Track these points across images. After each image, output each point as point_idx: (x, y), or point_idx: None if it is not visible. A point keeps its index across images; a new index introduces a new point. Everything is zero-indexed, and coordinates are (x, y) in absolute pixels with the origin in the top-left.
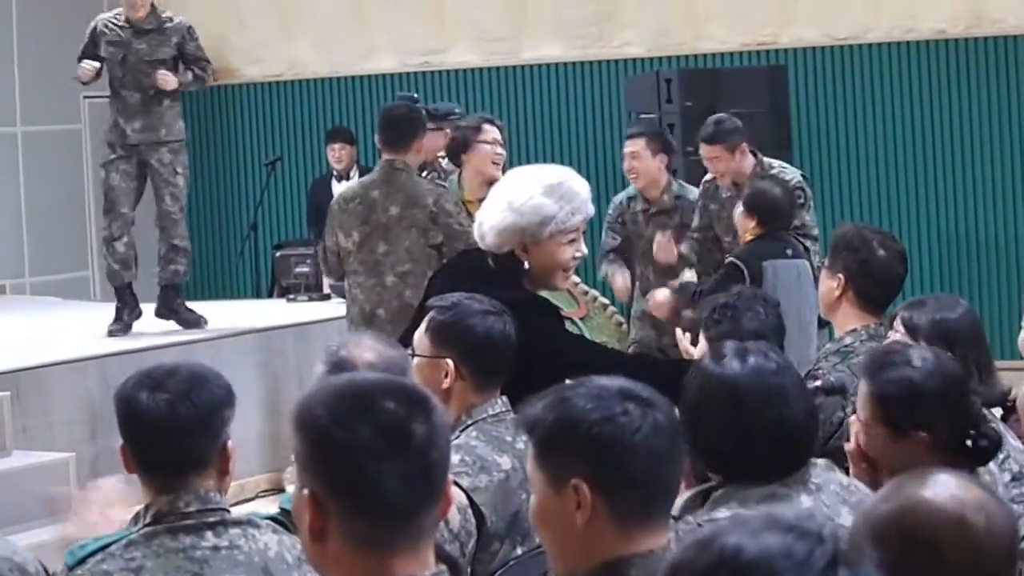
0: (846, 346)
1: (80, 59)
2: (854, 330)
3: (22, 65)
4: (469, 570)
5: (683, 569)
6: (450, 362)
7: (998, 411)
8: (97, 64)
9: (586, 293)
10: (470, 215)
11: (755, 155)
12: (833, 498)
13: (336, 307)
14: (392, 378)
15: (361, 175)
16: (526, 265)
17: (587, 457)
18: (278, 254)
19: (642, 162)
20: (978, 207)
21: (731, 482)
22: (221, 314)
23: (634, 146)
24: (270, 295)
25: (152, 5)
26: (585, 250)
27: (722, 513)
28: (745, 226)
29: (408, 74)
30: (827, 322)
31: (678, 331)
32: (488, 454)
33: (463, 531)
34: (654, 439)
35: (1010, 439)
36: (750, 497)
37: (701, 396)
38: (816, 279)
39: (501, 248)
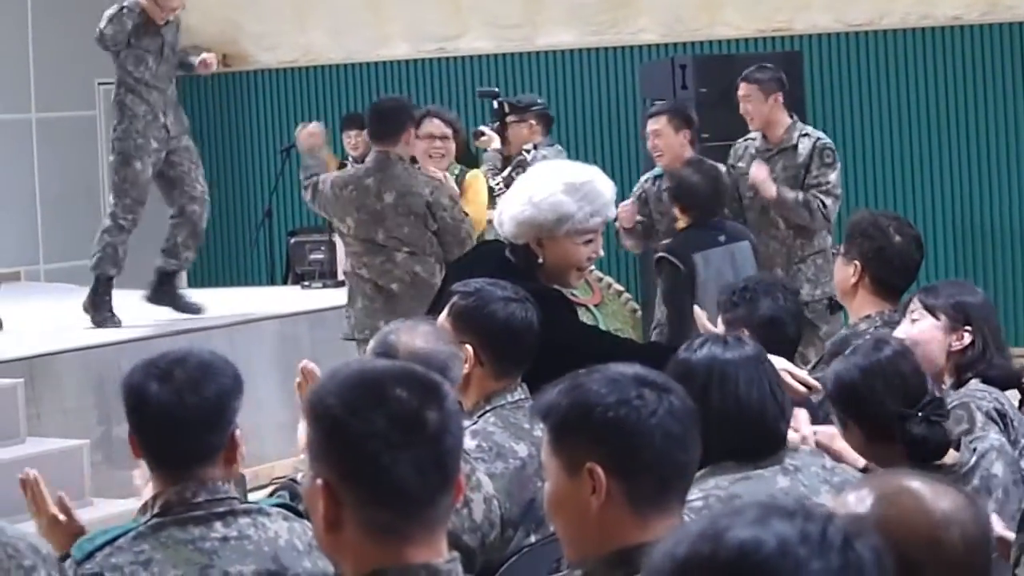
0: (861, 332)
1: (113, 39)
2: (868, 316)
3: (37, 51)
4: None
5: (700, 567)
6: (469, 348)
7: (1015, 396)
8: None
9: (600, 280)
10: None
11: (792, 116)
12: (813, 479)
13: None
14: (405, 365)
15: None
16: (540, 260)
17: (602, 441)
18: (292, 241)
19: (665, 139)
20: (993, 193)
21: (705, 464)
22: (236, 301)
23: (656, 124)
24: (284, 282)
25: None
26: (601, 252)
27: (695, 494)
28: (676, 215)
29: (423, 60)
30: (840, 306)
31: (696, 309)
32: (505, 441)
33: (486, 522)
34: (669, 423)
35: None
36: (724, 477)
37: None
38: (757, 254)
39: (517, 239)
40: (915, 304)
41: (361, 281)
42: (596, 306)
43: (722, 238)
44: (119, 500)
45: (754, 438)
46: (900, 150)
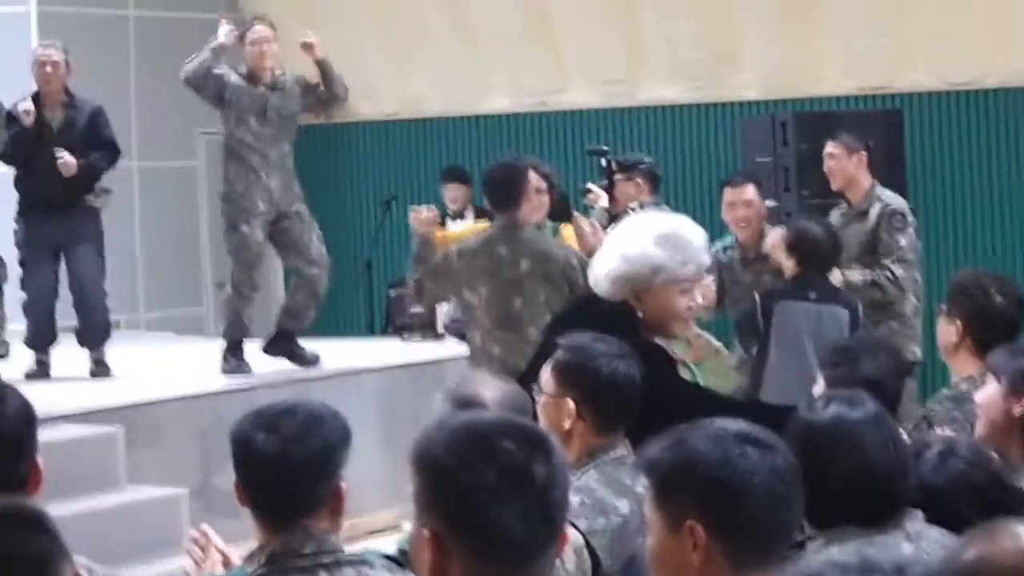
0: (962, 392)
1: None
2: (971, 377)
3: (138, 100)
4: None
5: None
6: (571, 403)
7: None
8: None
9: (699, 337)
10: None
11: (872, 181)
12: (934, 545)
13: (449, 347)
14: (511, 417)
15: (476, 216)
16: (640, 314)
17: (704, 499)
18: (393, 293)
19: (755, 209)
20: None
21: (825, 530)
22: (336, 352)
23: (746, 193)
24: (384, 333)
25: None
26: (700, 300)
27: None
28: (787, 265)
29: (524, 115)
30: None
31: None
32: (607, 497)
33: (579, 571)
34: (772, 482)
35: None
36: (848, 545)
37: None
38: (857, 326)
39: (615, 296)
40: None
41: (491, 360)
42: (696, 363)
43: (812, 295)
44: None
45: (880, 502)
46: (1000, 209)
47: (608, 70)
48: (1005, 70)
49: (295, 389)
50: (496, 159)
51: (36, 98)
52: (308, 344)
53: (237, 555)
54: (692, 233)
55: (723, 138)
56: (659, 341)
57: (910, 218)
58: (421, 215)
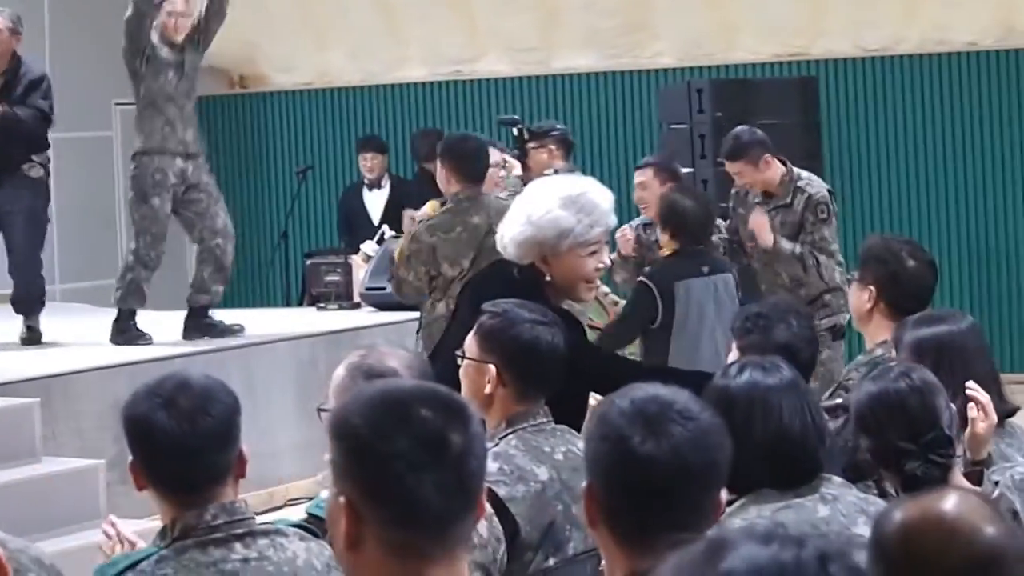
0: (876, 357)
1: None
2: (884, 341)
3: (54, 71)
4: None
5: None
6: (493, 367)
7: None
8: None
9: (616, 304)
10: None
11: (785, 164)
12: (850, 508)
13: (366, 315)
14: (428, 385)
15: (393, 184)
16: (547, 277)
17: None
18: (309, 262)
19: (651, 191)
20: (1009, 218)
21: (744, 495)
22: (252, 322)
23: (642, 176)
24: (300, 304)
25: None
26: (607, 261)
27: (736, 524)
28: (662, 241)
29: (439, 83)
30: (842, 334)
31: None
32: (526, 464)
33: (492, 538)
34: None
35: None
36: (765, 507)
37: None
38: (739, 289)
39: (523, 260)
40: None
41: None
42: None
43: (705, 269)
44: (134, 520)
45: (795, 466)
46: (915, 175)
47: (523, 38)
48: (919, 36)
49: (210, 359)
50: (411, 129)
51: None
52: (225, 315)
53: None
54: (599, 195)
55: (639, 106)
56: (566, 306)
57: (832, 207)
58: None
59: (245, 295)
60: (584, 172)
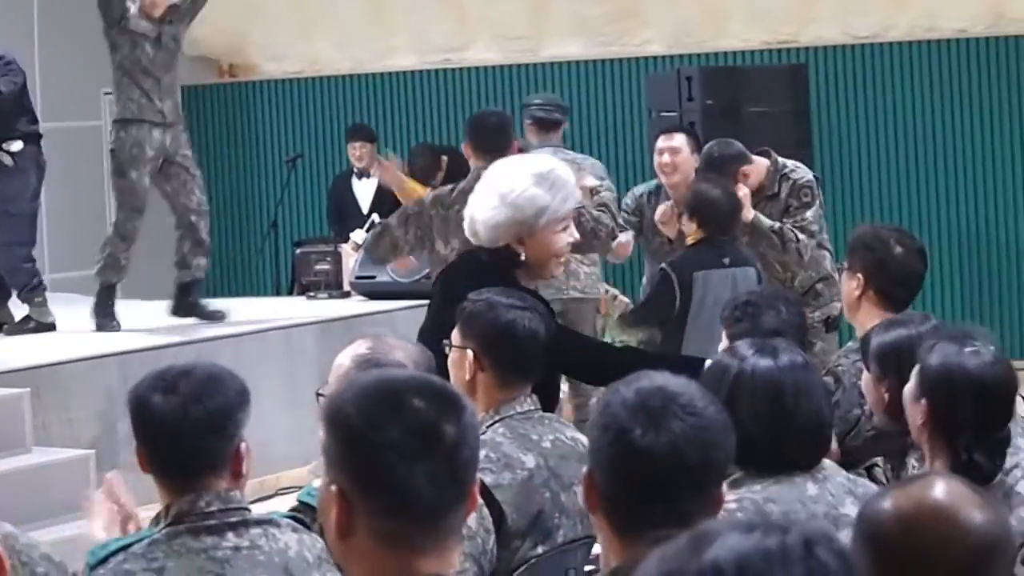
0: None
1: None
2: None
3: (42, 61)
4: (491, 568)
5: None
6: (470, 352)
7: None
8: None
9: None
10: None
11: (769, 155)
12: (839, 488)
13: (356, 304)
14: (423, 376)
15: None
16: (522, 257)
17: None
18: (298, 251)
19: (683, 157)
20: (998, 206)
21: (746, 471)
22: (242, 311)
23: (675, 141)
24: (290, 292)
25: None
26: (577, 234)
27: (731, 497)
28: (688, 229)
29: (428, 71)
30: (835, 325)
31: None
32: (513, 452)
33: (481, 529)
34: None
35: None
36: (758, 482)
37: (736, 391)
38: (761, 283)
39: (496, 243)
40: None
41: None
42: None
43: (727, 260)
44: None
45: (806, 450)
46: (905, 162)
47: (511, 26)
48: (908, 23)
49: (201, 348)
50: (400, 117)
51: None
52: (214, 303)
53: (142, 514)
54: (565, 171)
55: (628, 93)
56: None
57: (816, 191)
58: (384, 164)
59: (235, 284)
60: None
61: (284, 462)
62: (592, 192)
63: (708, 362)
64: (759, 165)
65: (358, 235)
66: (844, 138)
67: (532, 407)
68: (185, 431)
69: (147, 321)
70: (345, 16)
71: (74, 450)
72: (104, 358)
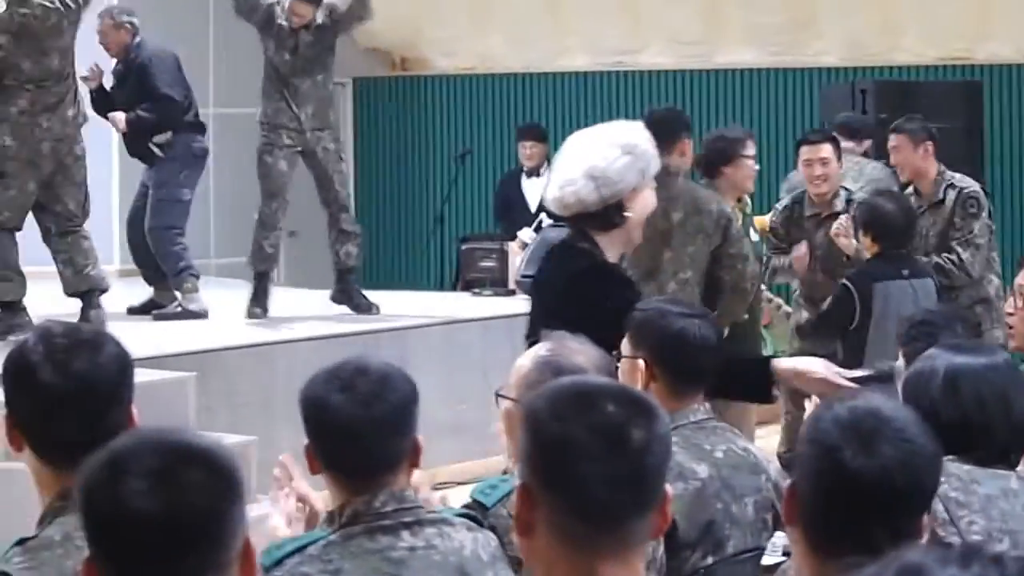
0: None
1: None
2: None
3: (217, 46)
4: None
5: None
6: (642, 361)
7: None
8: None
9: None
10: None
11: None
12: None
13: (520, 303)
14: (620, 384)
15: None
16: (628, 214)
17: None
18: (464, 247)
19: (832, 167)
20: None
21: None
22: (405, 305)
23: (824, 151)
24: (454, 288)
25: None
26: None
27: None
28: (864, 244)
29: (600, 73)
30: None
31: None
32: (686, 461)
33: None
34: None
35: None
36: (964, 465)
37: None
38: (940, 297)
39: (604, 200)
40: None
41: None
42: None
43: (905, 272)
44: None
45: (1016, 446)
46: None
47: (686, 32)
48: None
49: (365, 341)
50: (572, 117)
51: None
52: (378, 296)
53: (320, 500)
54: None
55: (799, 104)
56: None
57: (983, 201)
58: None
59: (399, 276)
60: None
61: (442, 457)
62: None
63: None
64: (930, 163)
65: (525, 234)
66: (1017, 157)
67: (705, 416)
68: (367, 431)
69: (313, 310)
70: (520, 14)
71: (236, 436)
72: (269, 346)
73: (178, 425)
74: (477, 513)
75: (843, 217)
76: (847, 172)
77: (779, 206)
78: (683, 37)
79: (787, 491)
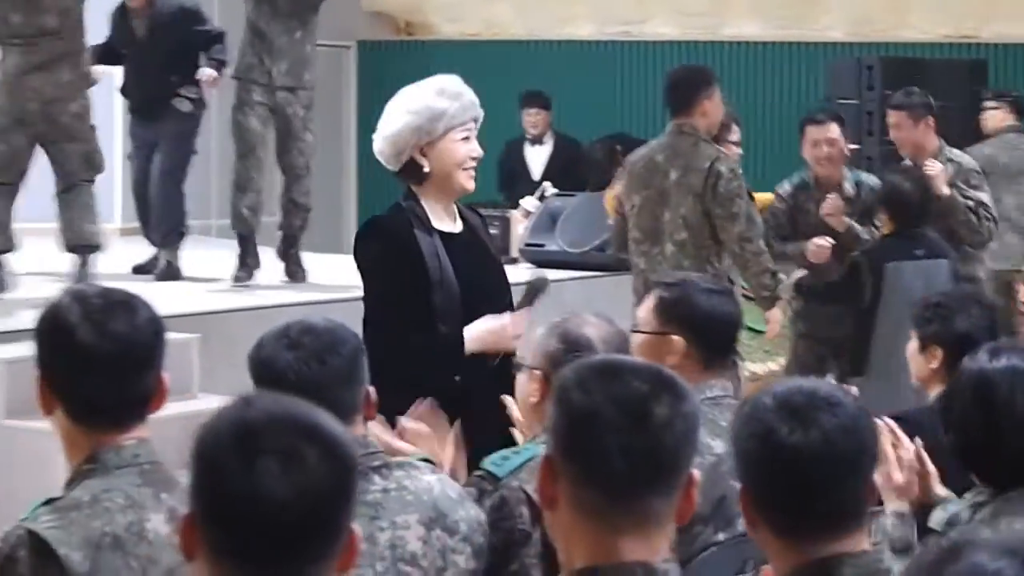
0: None
1: None
2: None
3: (223, 12)
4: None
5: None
6: (679, 339)
7: None
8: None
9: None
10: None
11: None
12: None
13: (524, 271)
14: (650, 363)
15: (556, 141)
16: (426, 169)
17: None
18: None
19: (838, 148)
20: None
21: (999, 495)
22: None
23: (831, 131)
24: None
25: None
26: (480, 151)
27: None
28: (880, 222)
29: (606, 42)
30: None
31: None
32: (702, 436)
33: None
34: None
35: None
36: (1017, 520)
37: (953, 393)
38: (956, 276)
39: (400, 157)
40: None
41: (636, 274)
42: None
43: (920, 252)
44: None
45: None
46: None
47: (692, 3)
48: None
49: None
50: (575, 86)
51: (122, 7)
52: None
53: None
54: (465, 87)
55: (805, 78)
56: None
57: (983, 178)
58: None
59: None
60: (748, 142)
61: None
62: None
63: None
64: (930, 137)
65: (529, 202)
66: None
67: (721, 393)
68: (323, 384)
69: (314, 275)
70: None
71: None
72: (271, 309)
73: (294, 400)
74: (488, 483)
75: (832, 195)
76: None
77: (781, 192)
78: (690, 8)
79: (741, 498)
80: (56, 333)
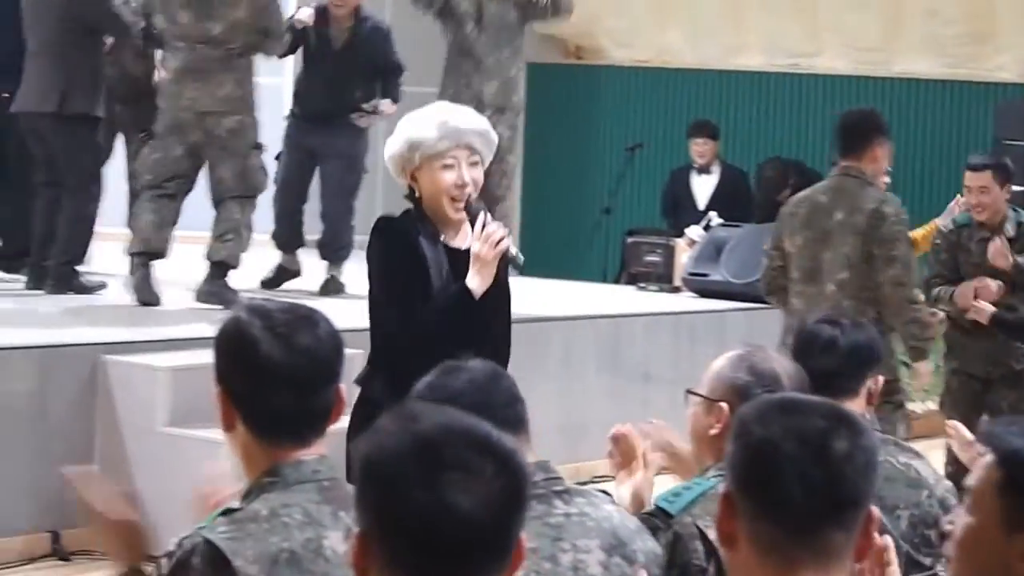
0: None
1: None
2: None
3: (396, 27)
4: None
5: None
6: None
7: None
8: None
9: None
10: None
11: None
12: None
13: (685, 301)
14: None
15: (722, 171)
16: (417, 194)
17: None
18: (629, 240)
19: (992, 195)
20: None
21: None
22: (569, 295)
23: (983, 179)
24: (617, 280)
25: None
26: (467, 179)
27: None
28: None
29: (776, 74)
30: None
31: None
32: None
33: None
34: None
35: None
36: None
37: None
38: None
39: (398, 178)
40: None
41: (790, 314)
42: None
43: None
44: None
45: None
46: None
47: (864, 37)
48: None
49: (528, 328)
50: (745, 116)
51: (323, 12)
52: (542, 285)
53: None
54: (452, 115)
55: (973, 117)
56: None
57: None
58: None
59: (563, 266)
60: (911, 178)
61: (600, 449)
62: None
63: None
64: (1004, 210)
65: (694, 231)
66: None
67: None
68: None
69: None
70: (699, 10)
71: None
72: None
73: (459, 412)
74: (660, 520)
75: (996, 239)
76: None
77: (943, 227)
78: (860, 43)
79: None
80: (241, 347)
